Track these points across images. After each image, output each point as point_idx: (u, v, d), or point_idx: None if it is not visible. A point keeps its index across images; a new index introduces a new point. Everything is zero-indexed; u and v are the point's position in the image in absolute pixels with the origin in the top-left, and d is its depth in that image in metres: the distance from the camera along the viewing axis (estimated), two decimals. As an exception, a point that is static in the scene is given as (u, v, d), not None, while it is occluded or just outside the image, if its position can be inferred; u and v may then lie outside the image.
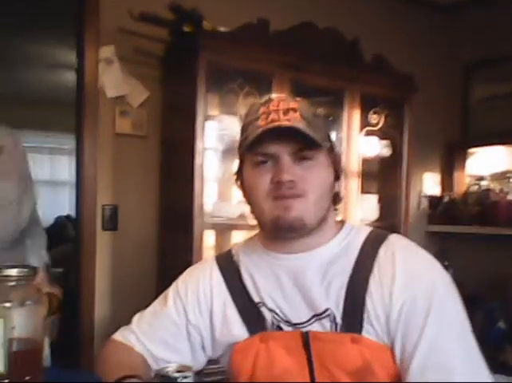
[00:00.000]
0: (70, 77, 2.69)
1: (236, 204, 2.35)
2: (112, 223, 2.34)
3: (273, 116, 0.94)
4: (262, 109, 0.96)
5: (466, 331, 0.90)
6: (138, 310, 1.13)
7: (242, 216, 2.27)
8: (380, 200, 2.76)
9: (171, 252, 2.32)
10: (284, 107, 0.95)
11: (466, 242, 3.16)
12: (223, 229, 2.41)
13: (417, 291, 0.90)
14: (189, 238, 2.12)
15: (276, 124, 0.92)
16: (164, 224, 2.41)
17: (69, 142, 4.03)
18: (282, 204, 0.93)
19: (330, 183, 0.99)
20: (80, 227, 2.31)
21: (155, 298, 1.14)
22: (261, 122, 0.94)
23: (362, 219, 2.60)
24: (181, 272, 1.14)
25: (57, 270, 4.37)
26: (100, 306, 2.31)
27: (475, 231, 3.06)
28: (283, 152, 0.94)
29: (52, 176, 6.46)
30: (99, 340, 2.24)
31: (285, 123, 0.92)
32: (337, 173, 1.01)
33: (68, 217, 5.03)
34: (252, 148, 0.95)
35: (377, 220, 2.70)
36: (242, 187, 1.02)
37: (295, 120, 0.93)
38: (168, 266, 2.32)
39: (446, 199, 3.29)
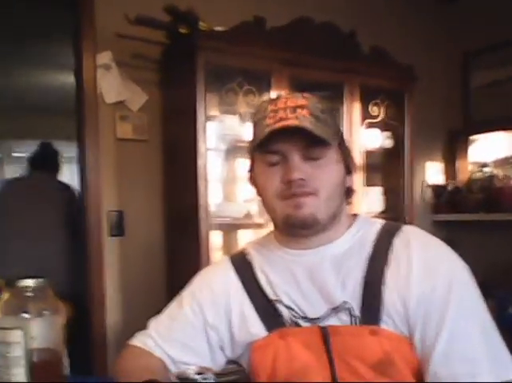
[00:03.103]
0: (69, 85, 2.69)
1: (241, 203, 2.35)
2: (118, 228, 2.34)
3: (281, 114, 0.93)
4: (270, 107, 0.95)
5: (487, 317, 0.90)
6: (149, 314, 1.12)
7: (247, 215, 2.27)
8: (384, 192, 2.76)
9: (179, 254, 2.31)
10: (292, 104, 0.94)
11: (473, 230, 3.15)
12: (230, 229, 2.41)
13: (436, 280, 0.90)
14: (196, 240, 2.12)
15: (282, 124, 0.91)
16: (170, 227, 2.41)
17: (70, 150, 4.03)
18: (293, 202, 0.93)
19: (341, 178, 0.98)
20: (87, 234, 2.30)
21: (166, 300, 1.13)
22: (268, 121, 0.93)
23: (367, 211, 2.58)
24: (190, 273, 1.14)
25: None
26: (111, 312, 2.30)
27: (481, 219, 3.05)
28: (292, 151, 0.93)
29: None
30: (112, 345, 2.24)
31: (293, 121, 0.91)
32: (349, 168, 1.01)
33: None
34: (261, 147, 0.95)
35: (383, 212, 2.69)
36: (255, 185, 1.02)
37: (303, 118, 0.92)
38: (177, 268, 2.32)
39: (450, 187, 3.28)
